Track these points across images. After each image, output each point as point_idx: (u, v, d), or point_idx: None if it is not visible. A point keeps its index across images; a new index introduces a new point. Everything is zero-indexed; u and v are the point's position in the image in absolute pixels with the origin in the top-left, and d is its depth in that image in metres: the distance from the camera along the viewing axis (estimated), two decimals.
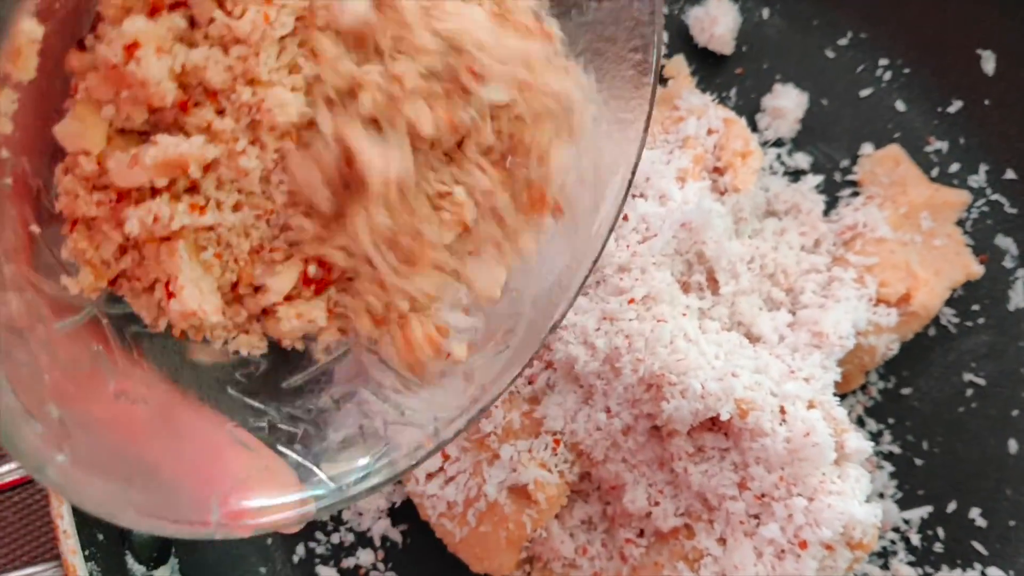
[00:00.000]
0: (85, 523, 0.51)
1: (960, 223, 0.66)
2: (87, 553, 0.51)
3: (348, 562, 0.62)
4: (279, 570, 0.62)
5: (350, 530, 0.62)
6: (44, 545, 0.62)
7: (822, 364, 0.58)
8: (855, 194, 0.66)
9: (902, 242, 0.63)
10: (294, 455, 0.39)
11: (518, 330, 0.41)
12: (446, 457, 0.58)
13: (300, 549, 0.62)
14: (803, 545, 0.53)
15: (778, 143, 0.67)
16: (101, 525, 0.53)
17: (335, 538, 0.62)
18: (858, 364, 0.62)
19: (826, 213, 0.65)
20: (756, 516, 0.55)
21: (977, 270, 0.64)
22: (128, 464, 0.35)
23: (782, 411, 0.54)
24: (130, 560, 0.55)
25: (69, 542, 0.50)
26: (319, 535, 0.62)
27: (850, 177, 0.67)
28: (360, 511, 0.62)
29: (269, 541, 0.62)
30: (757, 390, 0.54)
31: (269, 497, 0.36)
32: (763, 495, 0.54)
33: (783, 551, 0.54)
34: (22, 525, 0.63)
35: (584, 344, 0.55)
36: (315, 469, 0.39)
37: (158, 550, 0.56)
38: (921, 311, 0.62)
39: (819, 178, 0.66)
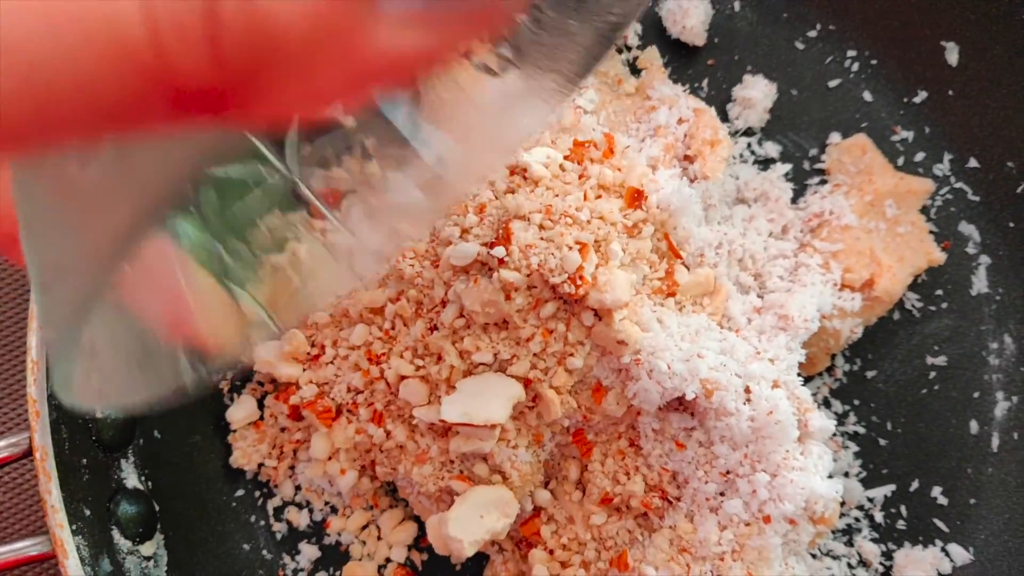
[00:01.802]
0: (73, 499, 0.53)
1: (924, 211, 0.68)
2: (74, 528, 0.53)
3: (329, 539, 0.63)
4: (262, 546, 0.63)
5: (332, 508, 0.64)
6: (33, 520, 0.64)
7: (787, 346, 0.60)
8: (823, 182, 0.68)
9: (867, 229, 0.65)
10: None
11: None
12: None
13: (282, 526, 0.64)
14: (767, 520, 0.55)
15: (748, 132, 0.69)
16: (88, 501, 0.55)
17: (316, 515, 0.64)
18: (824, 347, 0.64)
19: (794, 200, 0.67)
20: (721, 492, 0.57)
21: (939, 256, 0.66)
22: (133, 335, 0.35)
23: (747, 391, 0.56)
24: (116, 535, 0.56)
25: (57, 517, 0.52)
26: (301, 512, 0.64)
27: (818, 166, 0.68)
28: (341, 491, 0.63)
29: (252, 519, 0.64)
30: (722, 371, 0.55)
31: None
32: (728, 472, 0.56)
33: (747, 525, 0.56)
34: (11, 501, 0.65)
35: None
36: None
37: (143, 525, 0.58)
38: (884, 296, 0.64)
39: (788, 166, 0.68)
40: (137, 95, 0.23)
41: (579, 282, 0.52)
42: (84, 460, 0.56)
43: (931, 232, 0.67)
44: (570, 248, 0.53)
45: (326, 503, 0.64)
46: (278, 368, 0.59)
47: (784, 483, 0.55)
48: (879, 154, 0.68)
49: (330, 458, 0.60)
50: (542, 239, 0.53)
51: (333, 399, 0.59)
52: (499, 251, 0.52)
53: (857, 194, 0.66)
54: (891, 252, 0.65)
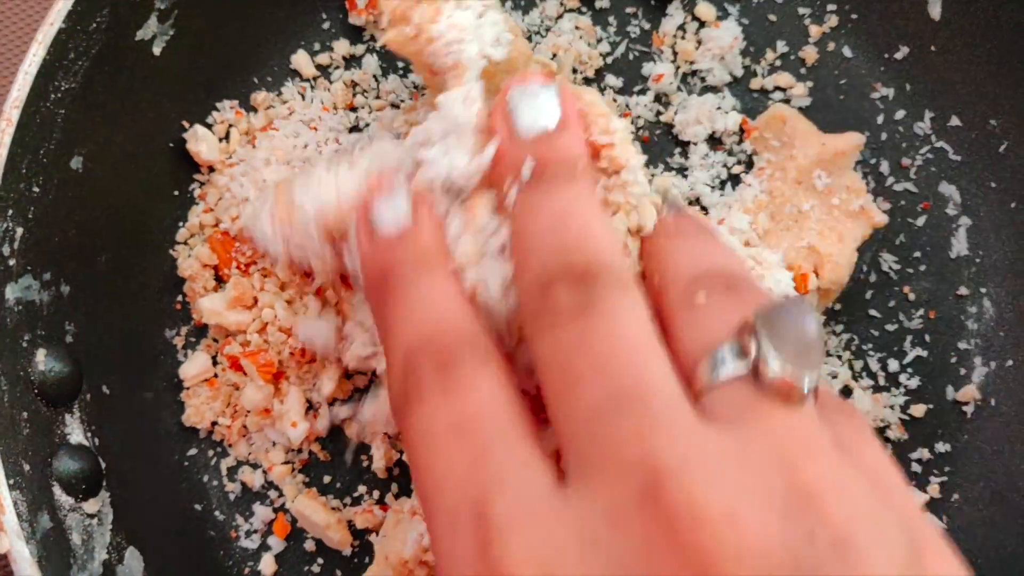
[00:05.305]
0: (10, 453, 0.51)
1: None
2: (11, 483, 0.51)
3: (282, 500, 0.62)
4: (214, 507, 0.62)
5: None
6: None
7: None
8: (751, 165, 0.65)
9: (797, 217, 0.61)
10: None
11: None
12: None
13: (236, 487, 0.62)
14: None
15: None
16: (28, 455, 0.53)
17: (270, 476, 0.62)
18: None
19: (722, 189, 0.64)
20: None
21: (881, 220, 0.61)
22: None
23: None
24: (57, 491, 0.54)
25: None
26: (256, 472, 0.62)
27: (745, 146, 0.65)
28: (292, 446, 0.62)
29: (205, 478, 0.62)
30: None
31: None
32: None
33: None
34: None
35: None
36: None
37: (87, 482, 0.56)
38: (832, 285, 0.60)
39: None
40: None
41: None
42: (25, 414, 0.54)
43: (909, 192, 0.65)
44: None
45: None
46: (226, 317, 0.57)
47: None
48: (801, 119, 0.62)
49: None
50: None
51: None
52: None
53: (781, 175, 0.61)
54: (828, 233, 0.60)
